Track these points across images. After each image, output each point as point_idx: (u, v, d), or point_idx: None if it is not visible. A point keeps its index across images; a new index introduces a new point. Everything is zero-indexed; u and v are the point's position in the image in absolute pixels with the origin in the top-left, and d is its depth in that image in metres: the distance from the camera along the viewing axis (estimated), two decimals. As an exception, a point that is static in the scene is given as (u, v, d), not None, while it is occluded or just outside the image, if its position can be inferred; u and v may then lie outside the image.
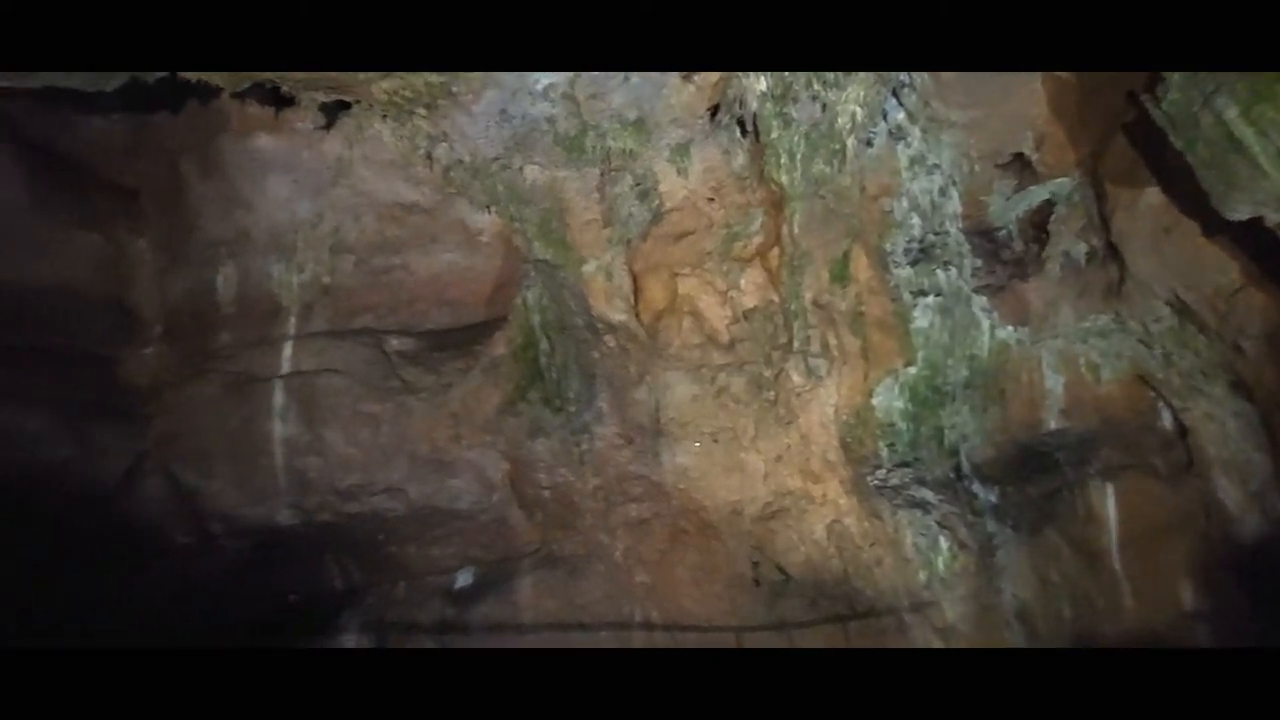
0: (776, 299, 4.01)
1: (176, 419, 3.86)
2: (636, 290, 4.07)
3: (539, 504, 4.16)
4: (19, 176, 3.61)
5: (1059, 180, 3.49)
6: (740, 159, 3.81)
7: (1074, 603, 3.55)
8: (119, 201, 3.87)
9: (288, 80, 3.37)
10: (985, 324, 3.68)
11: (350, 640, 3.99)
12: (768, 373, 4.07)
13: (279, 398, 3.84)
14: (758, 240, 3.99)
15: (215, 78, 3.27)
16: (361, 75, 3.29)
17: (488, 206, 3.95)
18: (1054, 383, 3.59)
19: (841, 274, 3.84)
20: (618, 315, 4.04)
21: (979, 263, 3.64)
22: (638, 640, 4.14)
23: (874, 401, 3.88)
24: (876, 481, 3.91)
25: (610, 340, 4.07)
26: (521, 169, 3.77)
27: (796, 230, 3.83)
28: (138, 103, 3.62)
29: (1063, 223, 3.49)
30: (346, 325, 3.96)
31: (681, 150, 3.79)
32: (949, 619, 3.74)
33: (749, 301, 4.05)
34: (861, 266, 3.80)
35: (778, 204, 3.86)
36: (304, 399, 3.86)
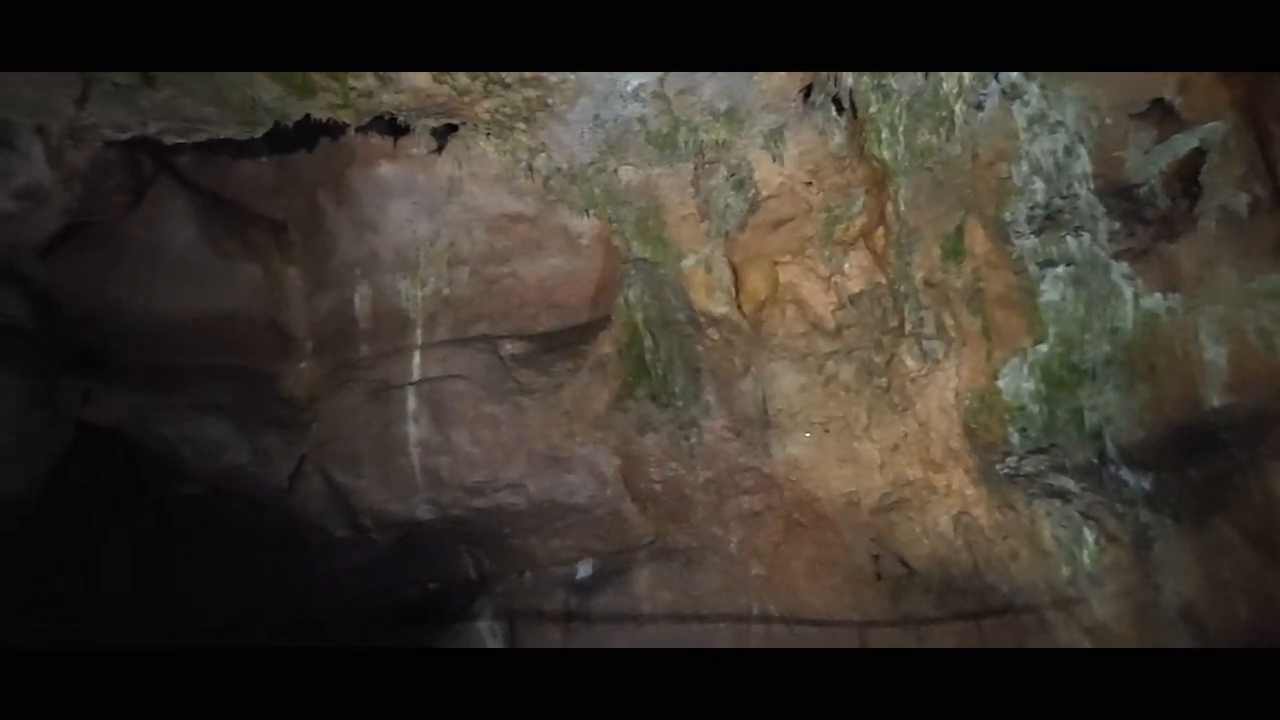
0: (884, 281, 3.83)
1: (329, 425, 4.30)
2: (737, 282, 4.04)
3: (651, 498, 4.25)
4: (191, 219, 4.19)
5: (1209, 125, 3.05)
6: (837, 138, 3.68)
7: (1252, 601, 3.11)
8: (270, 234, 4.39)
9: (403, 110, 3.66)
10: (1128, 293, 3.30)
11: (484, 626, 4.26)
12: (878, 358, 3.91)
13: (412, 403, 4.19)
14: (860, 221, 3.83)
15: (342, 114, 3.62)
16: (466, 98, 3.51)
17: (586, 210, 4.09)
18: (1215, 354, 3.13)
19: (955, 249, 3.61)
20: (719, 308, 4.04)
21: (1117, 225, 3.25)
22: (756, 633, 4.13)
23: (1000, 384, 3.60)
24: (1007, 470, 3.64)
25: (713, 333, 4.08)
26: (616, 171, 3.86)
27: (902, 207, 3.65)
28: (280, 145, 4.07)
29: (1217, 173, 3.04)
30: (465, 333, 4.25)
31: (775, 136, 3.72)
32: (1098, 617, 3.41)
33: (854, 286, 3.91)
34: (978, 239, 3.54)
35: (880, 182, 3.69)
36: (433, 403, 4.18)
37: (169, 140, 3.64)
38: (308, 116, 3.52)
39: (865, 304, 3.94)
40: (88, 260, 4.08)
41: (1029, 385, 3.57)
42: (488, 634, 4.18)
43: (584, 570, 4.30)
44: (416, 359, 4.20)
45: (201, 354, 4.31)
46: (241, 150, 4.06)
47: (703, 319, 4.08)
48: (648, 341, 4.18)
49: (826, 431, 4.09)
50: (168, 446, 4.14)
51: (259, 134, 3.65)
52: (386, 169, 4.14)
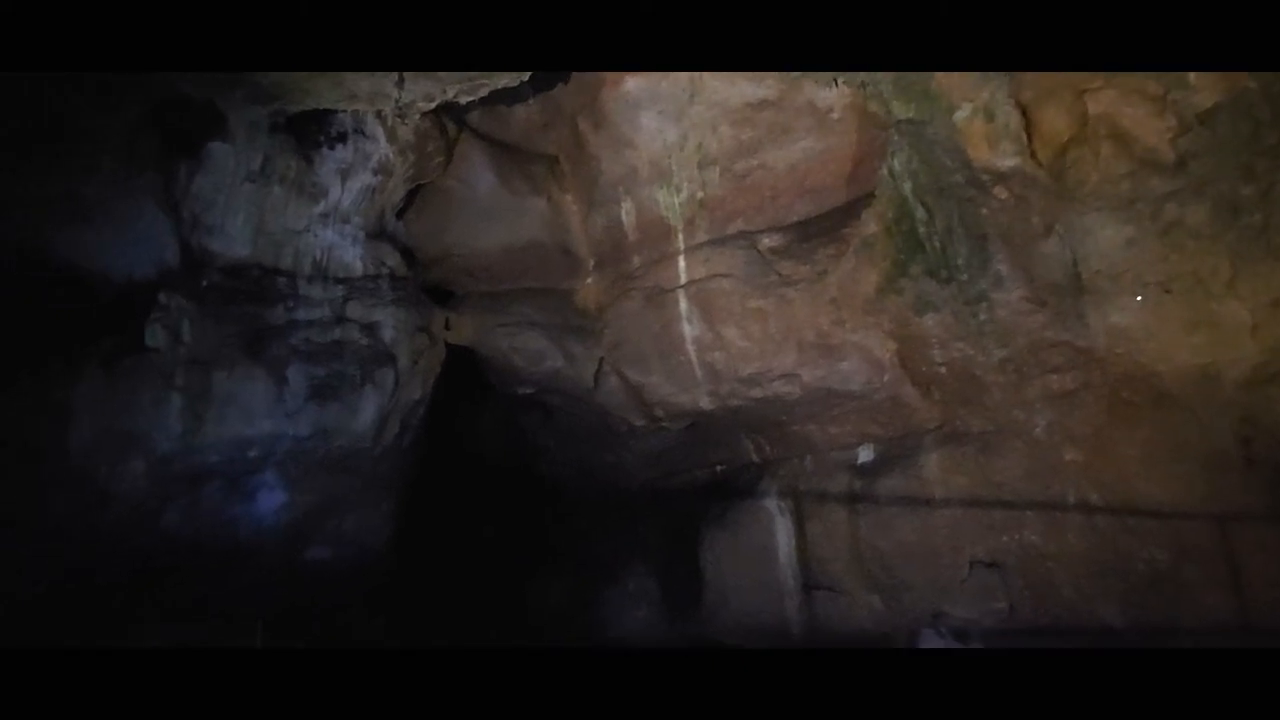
0: (1254, 85, 2.82)
1: (618, 330, 4.81)
2: (1028, 126, 3.35)
3: (935, 381, 3.96)
4: (487, 167, 4.89)
5: None
6: (1170, -100, 2.70)
7: None
8: (546, 167, 4.90)
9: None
10: None
11: (772, 504, 4.52)
12: (1247, 190, 2.98)
13: (683, 304, 4.46)
14: (1214, 9, 2.82)
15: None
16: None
17: (834, 79, 3.70)
18: None
19: (1382, 18, 2.47)
20: (1007, 161, 3.42)
21: None
22: (1074, 523, 3.71)
23: None
24: None
25: (1001, 192, 3.49)
26: (865, 23, 3.39)
27: (1287, -28, 2.59)
28: (541, 85, 4.44)
29: None
30: (723, 232, 4.31)
31: (1073, -78, 2.86)
32: None
33: (1205, 100, 2.95)
34: None
35: (1246, -58, 2.64)
36: (702, 303, 4.39)
37: (463, 100, 4.18)
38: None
39: (1225, 120, 2.98)
40: (425, 216, 5.07)
41: None
42: (775, 511, 4.45)
43: (865, 454, 4.27)
44: (681, 263, 4.41)
45: (516, 279, 5.13)
46: (513, 96, 4.54)
47: (986, 177, 3.51)
48: (919, 213, 3.76)
49: (1167, 292, 3.33)
50: (505, 357, 5.09)
51: (526, 77, 4.02)
52: (631, 84, 4.24)
